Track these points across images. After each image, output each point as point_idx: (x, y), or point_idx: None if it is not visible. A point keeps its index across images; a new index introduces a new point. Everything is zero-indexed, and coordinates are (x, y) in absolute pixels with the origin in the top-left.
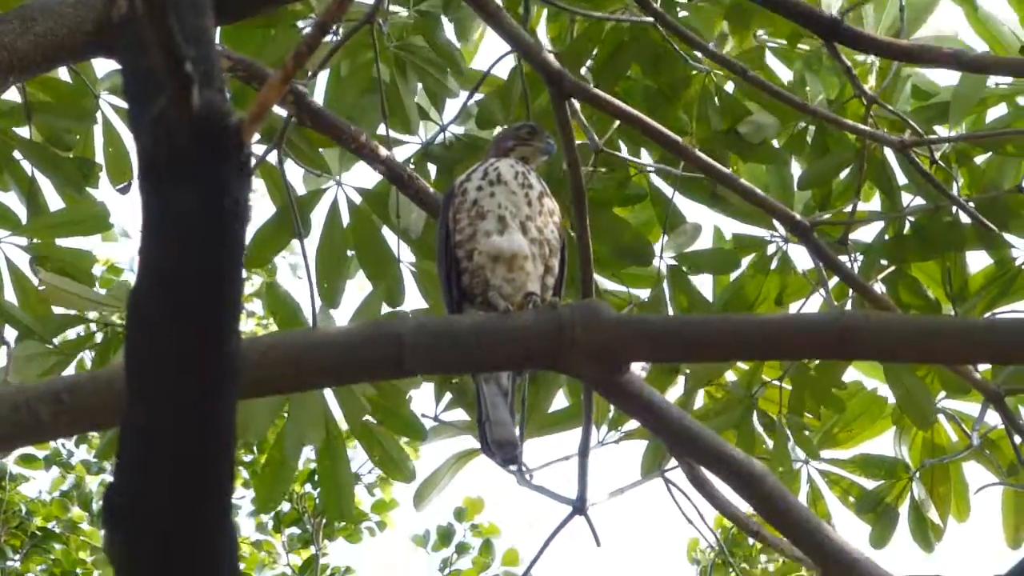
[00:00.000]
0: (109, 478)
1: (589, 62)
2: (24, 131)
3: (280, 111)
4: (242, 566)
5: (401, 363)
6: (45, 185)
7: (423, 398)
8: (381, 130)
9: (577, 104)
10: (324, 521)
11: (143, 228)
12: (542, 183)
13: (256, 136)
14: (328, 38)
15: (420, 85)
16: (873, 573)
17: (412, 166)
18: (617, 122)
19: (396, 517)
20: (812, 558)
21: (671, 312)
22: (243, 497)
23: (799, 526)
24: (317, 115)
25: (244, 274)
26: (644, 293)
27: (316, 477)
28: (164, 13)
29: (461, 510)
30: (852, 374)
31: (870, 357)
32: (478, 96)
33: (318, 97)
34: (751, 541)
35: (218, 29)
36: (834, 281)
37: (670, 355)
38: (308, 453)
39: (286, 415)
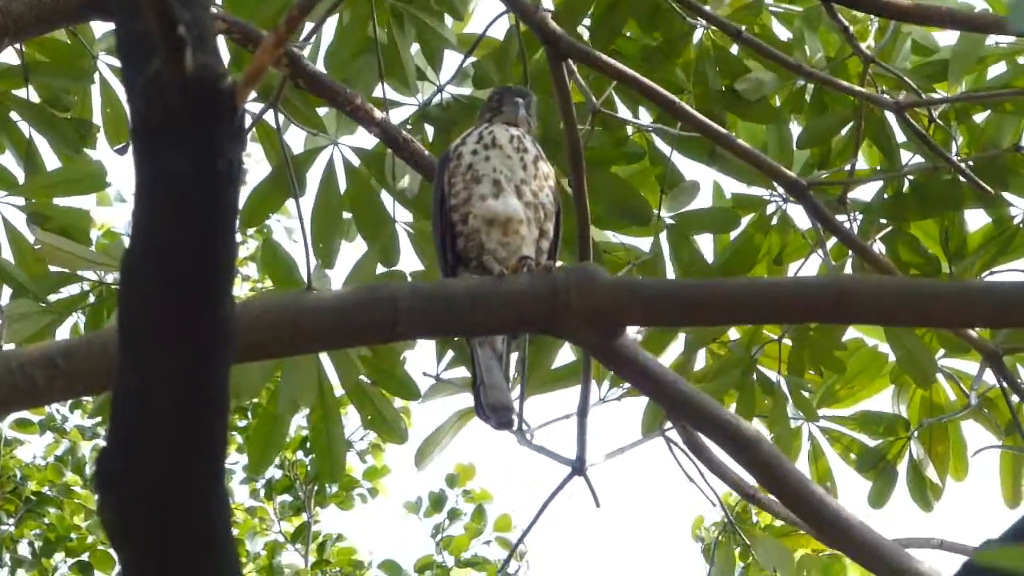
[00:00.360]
0: (103, 443)
1: (586, 20)
2: (21, 93)
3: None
4: (235, 532)
5: (395, 327)
6: (43, 147)
7: (424, 356)
8: (379, 92)
9: (574, 64)
10: (316, 488)
11: (136, 190)
12: (537, 147)
13: (252, 95)
14: None
15: (417, 45)
16: (868, 538)
17: (409, 127)
18: (615, 82)
19: (388, 484)
20: (808, 523)
21: (671, 272)
22: (236, 463)
23: (795, 491)
24: (312, 78)
25: (239, 238)
26: (645, 243)
27: (308, 444)
28: None
29: (453, 476)
30: (853, 331)
31: (867, 321)
32: (475, 58)
33: (319, 55)
34: (755, 519)
35: None
36: (833, 241)
37: (665, 319)
38: (300, 420)
39: (279, 376)
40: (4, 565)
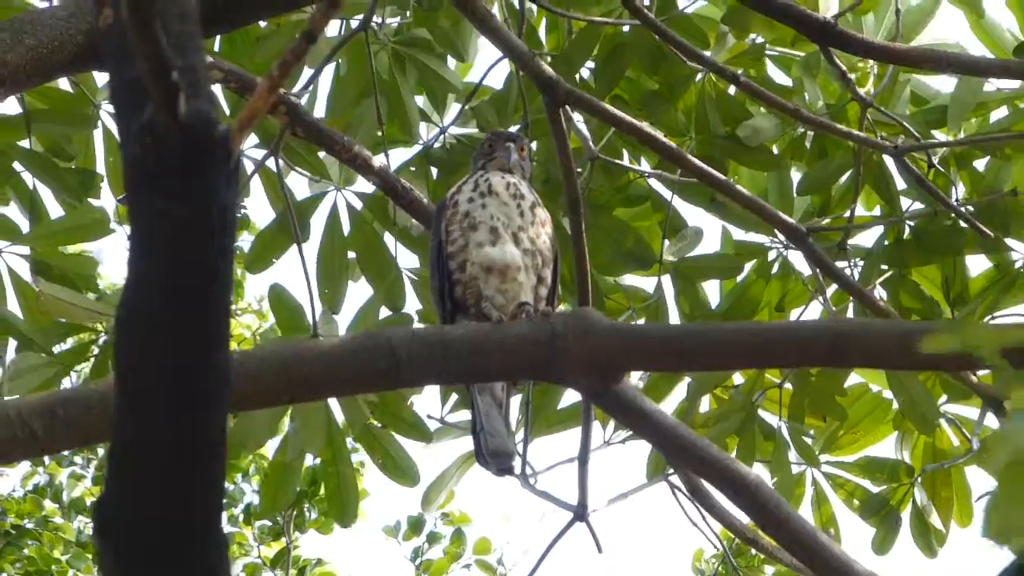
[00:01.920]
0: (80, 471)
1: (590, 63)
2: (24, 143)
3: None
4: None
5: (395, 374)
6: (47, 196)
7: (429, 399)
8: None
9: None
10: (295, 513)
11: (131, 237)
12: (534, 193)
13: (255, 141)
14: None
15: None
16: None
17: (413, 168)
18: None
19: (367, 507)
20: (807, 566)
21: (674, 317)
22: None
23: (794, 535)
24: (310, 126)
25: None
26: (649, 284)
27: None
28: (150, 21)
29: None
30: (857, 378)
31: (862, 364)
32: (477, 102)
33: (321, 100)
34: (754, 551)
35: (218, 39)
36: (834, 287)
37: (663, 364)
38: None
39: (289, 420)
40: None
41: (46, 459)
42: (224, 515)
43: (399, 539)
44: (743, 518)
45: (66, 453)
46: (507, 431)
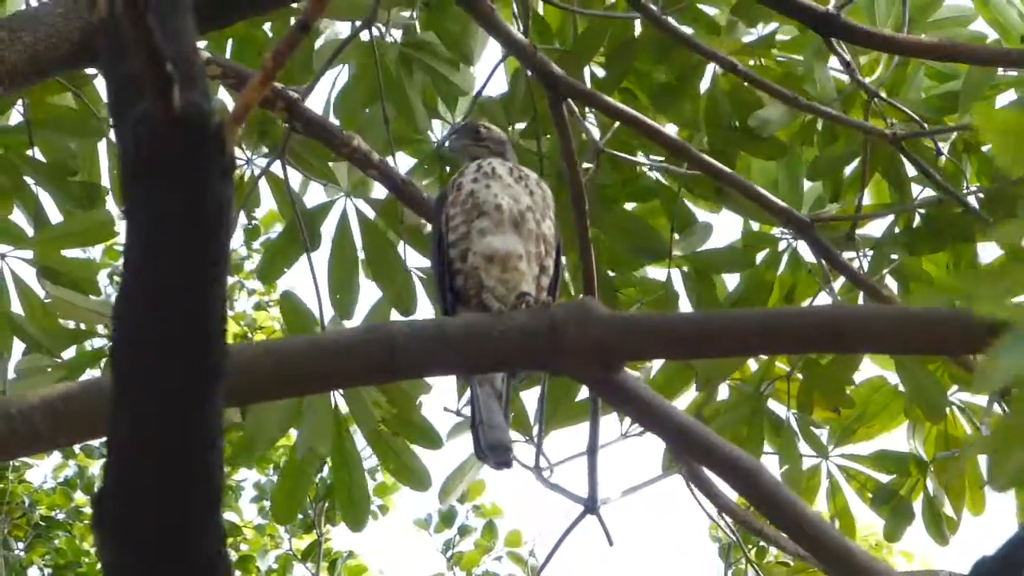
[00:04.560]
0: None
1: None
2: (27, 153)
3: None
4: (245, 548)
5: (393, 366)
6: (50, 208)
7: (445, 392)
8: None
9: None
10: (326, 506)
11: (127, 231)
12: (535, 176)
13: (264, 149)
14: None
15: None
16: (871, 566)
17: (426, 167)
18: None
19: (398, 500)
20: (810, 552)
21: (686, 309)
22: (244, 480)
23: (796, 522)
24: (309, 121)
25: (244, 252)
26: (661, 274)
27: (317, 463)
28: (144, 13)
29: (463, 492)
30: (870, 369)
31: (861, 350)
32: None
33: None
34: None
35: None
36: (842, 280)
37: (663, 352)
38: None
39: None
40: None
41: (76, 448)
42: (255, 508)
43: (431, 531)
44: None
45: (96, 444)
46: (506, 423)
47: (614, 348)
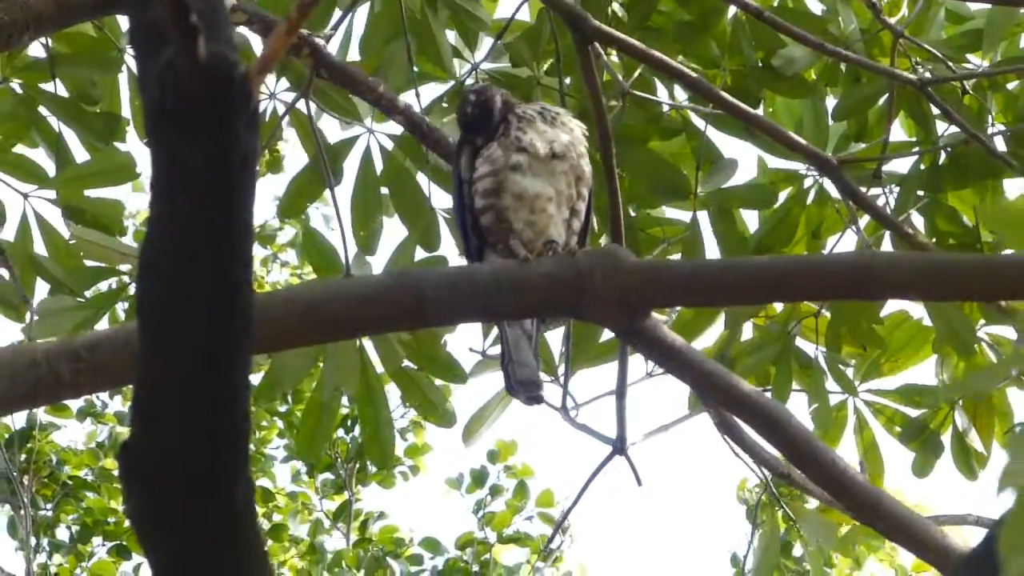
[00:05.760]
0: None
1: None
2: (49, 87)
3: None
4: (279, 518)
5: (422, 313)
6: (72, 141)
7: (470, 332)
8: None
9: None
10: (357, 467)
11: (153, 181)
12: (568, 113)
13: (287, 85)
14: None
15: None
16: (898, 512)
17: (445, 104)
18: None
19: (429, 461)
20: (838, 499)
21: (711, 250)
22: (277, 448)
23: (824, 468)
24: (334, 67)
25: (276, 224)
26: (685, 218)
27: (349, 422)
28: None
29: (494, 452)
30: (895, 304)
31: (890, 296)
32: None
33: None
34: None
35: None
36: (867, 218)
37: (690, 300)
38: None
39: (321, 364)
40: (42, 550)
41: (109, 404)
42: (287, 472)
43: (462, 492)
44: (775, 452)
45: (126, 408)
46: (536, 362)
47: (640, 296)
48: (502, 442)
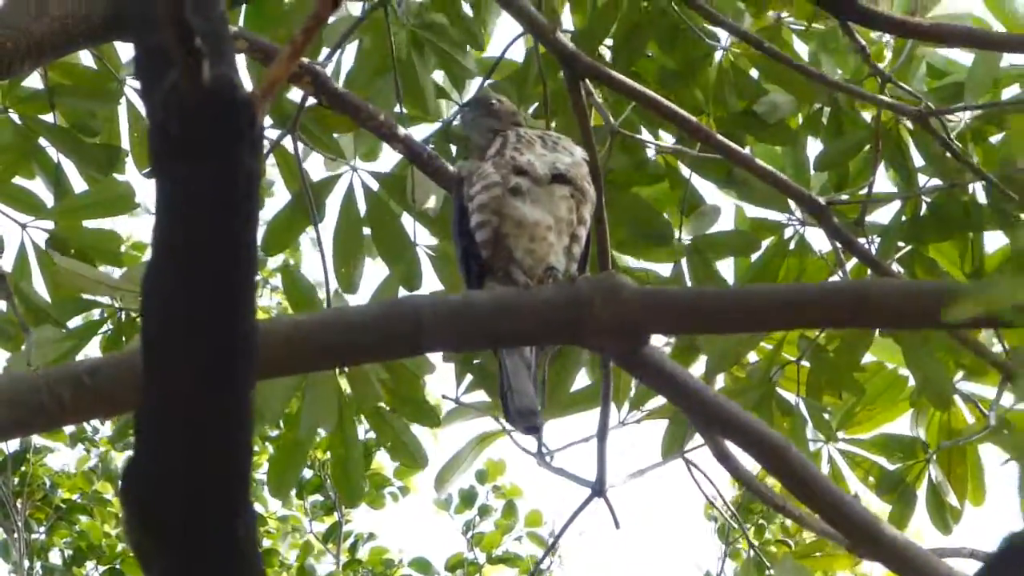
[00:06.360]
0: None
1: (609, 41)
2: (48, 117)
3: (296, 95)
4: (268, 543)
5: (419, 340)
6: (71, 172)
7: (443, 379)
8: (398, 110)
9: (593, 87)
10: None
11: (156, 206)
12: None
13: (270, 122)
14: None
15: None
16: (899, 543)
17: (431, 146)
18: (635, 102)
19: (418, 482)
20: (838, 529)
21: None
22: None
23: (822, 497)
24: (335, 95)
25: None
26: (665, 270)
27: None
28: None
29: (483, 472)
30: (873, 355)
31: (886, 324)
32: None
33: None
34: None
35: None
36: (852, 263)
37: (690, 327)
38: None
39: (298, 401)
40: (36, 573)
41: (97, 438)
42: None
43: (451, 513)
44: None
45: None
46: (535, 391)
47: (641, 323)
48: (491, 462)
